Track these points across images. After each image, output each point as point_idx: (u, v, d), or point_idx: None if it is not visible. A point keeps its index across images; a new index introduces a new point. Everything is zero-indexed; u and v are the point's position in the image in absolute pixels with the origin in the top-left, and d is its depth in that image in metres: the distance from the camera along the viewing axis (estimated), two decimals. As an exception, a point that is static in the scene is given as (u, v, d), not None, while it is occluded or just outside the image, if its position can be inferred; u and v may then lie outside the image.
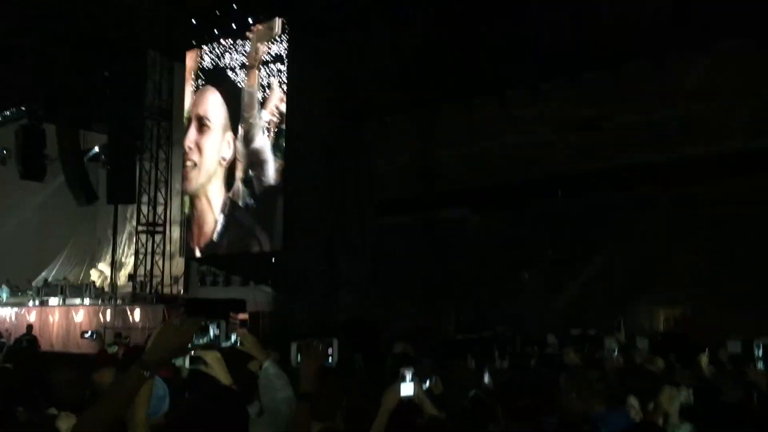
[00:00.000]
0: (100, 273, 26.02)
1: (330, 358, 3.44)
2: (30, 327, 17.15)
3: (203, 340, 2.60)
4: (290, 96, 16.37)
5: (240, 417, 1.97)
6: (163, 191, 21.31)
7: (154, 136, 21.12)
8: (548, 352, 9.23)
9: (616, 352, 6.91)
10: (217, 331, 2.80)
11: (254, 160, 16.85)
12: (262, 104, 16.75)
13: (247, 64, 17.23)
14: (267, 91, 16.76)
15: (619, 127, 13.44)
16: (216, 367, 2.94)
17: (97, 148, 24.59)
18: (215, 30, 18.29)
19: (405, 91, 15.23)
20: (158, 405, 3.24)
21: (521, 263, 15.27)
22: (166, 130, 21.27)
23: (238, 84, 17.38)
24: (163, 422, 3.19)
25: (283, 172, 16.42)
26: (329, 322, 14.38)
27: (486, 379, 5.07)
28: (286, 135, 16.52)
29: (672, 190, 13.14)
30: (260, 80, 16.93)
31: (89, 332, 11.66)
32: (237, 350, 3.68)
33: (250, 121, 16.96)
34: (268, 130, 16.67)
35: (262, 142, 16.75)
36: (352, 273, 16.16)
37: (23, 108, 23.75)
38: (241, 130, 17.11)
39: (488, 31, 13.61)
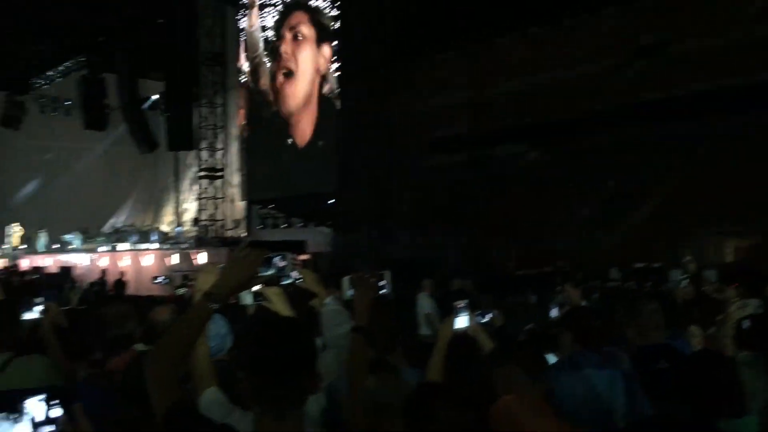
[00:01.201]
0: (166, 218, 26.76)
1: (383, 290, 3.45)
2: (104, 272, 17.84)
3: (269, 273, 2.63)
4: (342, 34, 16.27)
5: (308, 345, 1.99)
6: (222, 137, 21.57)
7: (209, 81, 21.27)
8: (611, 285, 9.13)
9: (683, 283, 6.77)
10: (282, 263, 2.84)
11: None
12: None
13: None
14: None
15: (681, 53, 12.86)
16: (278, 302, 2.99)
17: (155, 96, 24.99)
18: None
19: (456, 26, 14.89)
20: (221, 342, 3.35)
21: (580, 197, 14.99)
22: (220, 75, 21.38)
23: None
24: (227, 358, 3.30)
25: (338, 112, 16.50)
26: (388, 261, 14.52)
27: (554, 312, 5.06)
28: (340, 74, 16.49)
29: (738, 118, 12.58)
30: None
31: (161, 277, 12.14)
32: (298, 287, 3.72)
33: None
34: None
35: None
36: (407, 211, 16.21)
37: (83, 59, 24.23)
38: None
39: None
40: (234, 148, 21.75)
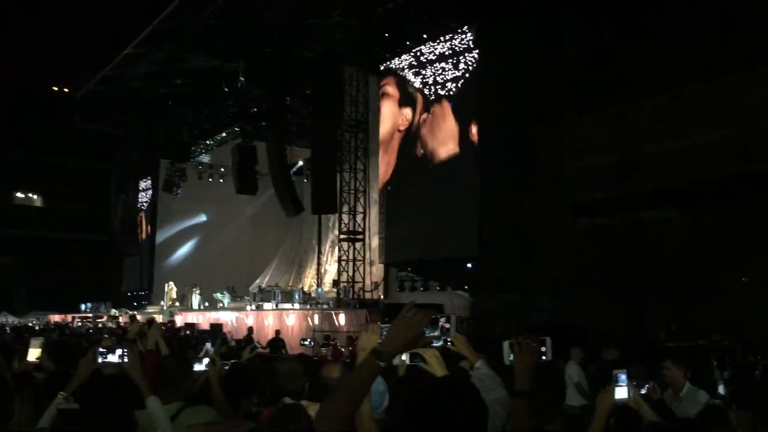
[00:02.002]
0: (307, 279, 27.65)
1: (543, 356, 3.38)
2: (251, 329, 18.56)
3: (434, 333, 2.65)
4: (481, 99, 16.47)
5: (481, 409, 1.96)
6: (362, 201, 22.20)
7: (352, 147, 22.09)
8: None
9: None
10: (447, 324, 2.85)
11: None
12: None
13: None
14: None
15: None
16: (435, 364, 2.98)
17: (301, 162, 26.23)
18: (406, 42, 18.87)
19: (602, 87, 14.65)
20: (379, 399, 3.37)
21: (738, 265, 13.99)
22: (363, 141, 22.16)
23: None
24: (383, 417, 3.31)
25: (478, 176, 16.54)
26: (529, 326, 14.13)
27: (721, 388, 4.71)
28: (479, 139, 16.61)
29: None
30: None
31: (307, 339, 12.63)
32: (447, 350, 3.70)
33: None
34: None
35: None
36: (550, 276, 15.78)
37: (237, 129, 25.99)
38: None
39: (692, 12, 12.72)
40: (374, 212, 22.27)
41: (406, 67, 19.32)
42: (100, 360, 3.12)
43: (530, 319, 14.67)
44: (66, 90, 38.07)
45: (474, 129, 17.19)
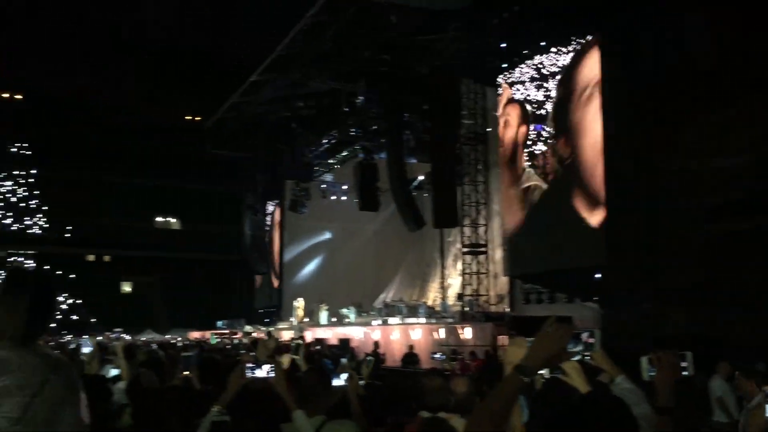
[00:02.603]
0: (431, 293, 27.71)
1: (685, 371, 3.26)
2: (377, 344, 18.81)
3: (577, 348, 2.62)
4: (605, 104, 15.99)
5: (629, 422, 1.92)
6: (484, 213, 22.05)
7: (471, 160, 22.03)
8: None
9: None
10: (591, 339, 2.81)
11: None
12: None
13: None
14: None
15: None
16: (575, 376, 2.93)
17: (421, 177, 26.43)
18: (524, 51, 18.66)
19: (730, 85, 13.84)
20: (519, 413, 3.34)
21: None
22: (482, 153, 22.05)
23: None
24: (524, 430, 3.28)
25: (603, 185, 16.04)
26: (663, 339, 13.47)
27: None
28: (604, 146, 16.12)
29: None
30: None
31: (437, 353, 12.71)
32: (584, 364, 3.62)
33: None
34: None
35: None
36: (684, 285, 14.98)
37: (358, 147, 26.59)
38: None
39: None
40: (496, 224, 22.07)
41: (527, 80, 19.07)
42: (248, 374, 3.29)
43: (664, 332, 13.99)
44: (197, 119, 40.37)
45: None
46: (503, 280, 21.64)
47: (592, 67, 16.84)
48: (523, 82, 19.25)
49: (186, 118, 45.06)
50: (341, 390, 3.96)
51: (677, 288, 15.03)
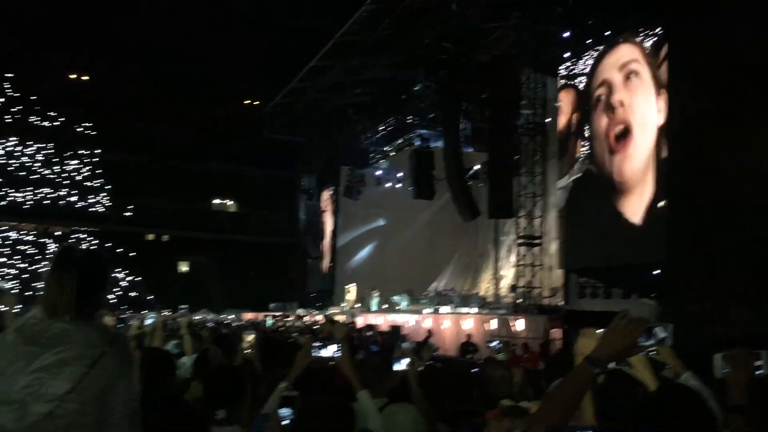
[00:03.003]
0: (484, 284, 27.58)
1: (759, 370, 3.19)
2: (430, 332, 18.75)
3: (649, 342, 2.58)
4: (670, 99, 15.59)
5: (708, 415, 1.89)
6: (540, 205, 21.79)
7: (530, 151, 21.75)
8: None
9: None
10: (664, 334, 2.76)
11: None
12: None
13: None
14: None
15: None
16: (641, 368, 2.90)
17: (477, 166, 26.25)
18: (586, 41, 18.30)
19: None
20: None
21: None
22: (541, 144, 21.76)
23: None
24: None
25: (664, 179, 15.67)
26: (723, 338, 13.12)
27: None
28: (668, 141, 15.74)
29: None
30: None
31: (494, 341, 12.65)
32: (651, 358, 3.57)
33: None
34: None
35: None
36: (746, 285, 14.54)
37: (414, 134, 26.56)
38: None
39: None
40: (552, 216, 21.78)
41: (587, 70, 18.69)
42: (314, 354, 3.35)
43: (725, 331, 13.61)
44: (256, 103, 40.90)
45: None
46: (558, 273, 21.36)
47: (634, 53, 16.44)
48: (584, 73, 18.89)
49: (245, 102, 45.75)
50: (401, 374, 4.00)
51: (739, 287, 14.61)
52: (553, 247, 21.74)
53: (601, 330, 2.43)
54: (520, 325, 18.24)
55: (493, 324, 19.01)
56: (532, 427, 2.12)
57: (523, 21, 19.03)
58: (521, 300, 20.84)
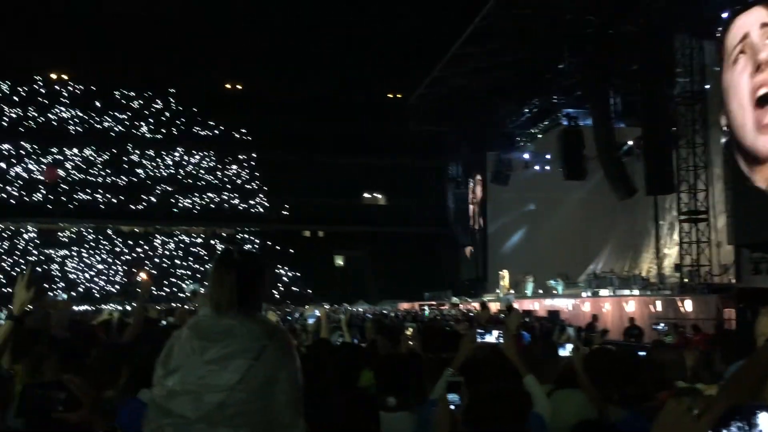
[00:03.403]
0: (645, 264, 26.38)
1: None
2: (595, 317, 18.01)
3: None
4: None
5: None
6: (703, 177, 20.44)
7: (688, 121, 20.44)
8: None
9: None
10: None
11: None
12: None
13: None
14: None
15: None
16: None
17: (630, 142, 25.09)
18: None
19: None
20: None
21: None
22: (701, 113, 20.38)
23: None
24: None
25: None
26: None
27: None
28: None
29: None
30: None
31: (660, 324, 12.13)
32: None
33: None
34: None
35: None
36: None
37: (561, 114, 25.80)
38: None
39: None
40: (718, 189, 20.37)
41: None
42: (478, 339, 3.37)
43: None
44: (399, 96, 41.50)
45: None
46: (728, 249, 19.94)
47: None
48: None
49: (388, 95, 46.56)
50: (567, 359, 3.92)
51: None
52: (721, 221, 20.34)
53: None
54: (688, 305, 17.26)
55: (659, 306, 18.12)
56: (713, 408, 2.03)
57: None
58: (687, 279, 19.70)
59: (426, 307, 27.22)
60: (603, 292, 21.23)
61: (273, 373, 1.88)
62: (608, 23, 20.22)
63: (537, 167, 30.77)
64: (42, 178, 41.60)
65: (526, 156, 30.80)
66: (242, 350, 1.86)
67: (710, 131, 20.47)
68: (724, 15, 18.01)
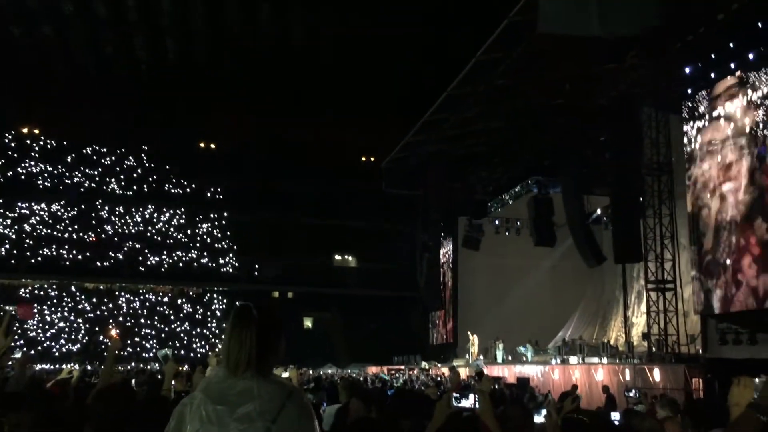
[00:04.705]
0: (613, 332, 26.46)
1: None
2: (575, 387, 17.34)
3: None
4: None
5: None
6: (669, 247, 20.78)
7: (655, 191, 20.91)
8: None
9: None
10: None
11: None
12: None
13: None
14: None
15: None
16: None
17: (599, 211, 25.52)
18: (712, 74, 17.55)
19: None
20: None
21: None
22: (667, 184, 20.88)
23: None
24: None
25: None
26: None
27: None
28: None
29: None
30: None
31: (632, 391, 12.16)
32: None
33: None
34: None
35: None
36: None
37: (531, 181, 26.24)
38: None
39: None
40: (684, 259, 20.70)
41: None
42: (454, 404, 3.33)
43: None
44: (372, 159, 41.96)
45: None
46: (694, 319, 20.13)
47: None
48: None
49: (362, 158, 47.04)
50: (541, 426, 3.88)
51: None
52: (688, 291, 20.59)
53: (760, 379, 2.30)
54: (656, 374, 17.30)
55: (627, 374, 18.12)
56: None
57: (640, 60, 18.56)
58: (656, 348, 19.78)
59: (399, 373, 26.89)
60: (572, 359, 21.21)
61: (292, 433, 1.85)
62: (578, 95, 20.82)
63: (507, 233, 31.09)
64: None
65: (497, 221, 31.15)
66: (260, 413, 1.82)
67: (676, 202, 20.94)
68: (689, 91, 18.71)
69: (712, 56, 17.35)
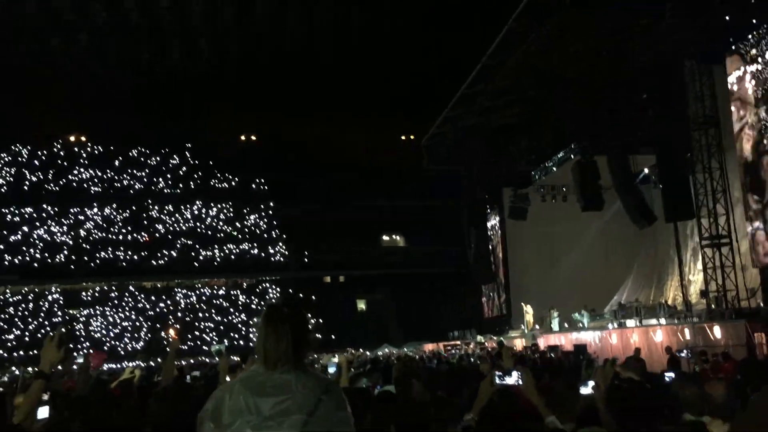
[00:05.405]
0: (670, 292, 26.00)
1: None
2: (638, 350, 17.17)
3: None
4: None
5: None
6: (722, 201, 20.23)
7: (703, 145, 20.33)
8: None
9: None
10: None
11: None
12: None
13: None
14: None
15: None
16: None
17: (646, 170, 24.96)
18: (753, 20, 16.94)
19: None
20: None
21: None
22: (715, 137, 20.28)
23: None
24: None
25: None
26: None
27: None
28: None
29: None
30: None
31: (683, 351, 11.96)
32: None
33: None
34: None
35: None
36: None
37: (574, 146, 25.79)
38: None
39: None
40: (738, 212, 20.13)
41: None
42: (498, 382, 3.33)
43: None
44: (412, 138, 41.80)
45: None
46: (753, 272, 19.63)
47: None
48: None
49: (401, 137, 46.92)
50: (589, 397, 3.85)
51: None
52: (744, 245, 20.06)
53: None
54: (717, 332, 16.92)
55: (687, 334, 17.77)
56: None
57: (679, 17, 17.97)
58: (715, 305, 19.35)
59: (455, 349, 26.95)
60: (629, 322, 20.92)
61: (328, 428, 1.89)
62: (618, 56, 20.31)
63: (554, 200, 30.69)
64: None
65: (542, 189, 30.77)
66: (298, 406, 1.87)
67: (726, 155, 20.34)
68: (732, 39, 18.12)
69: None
